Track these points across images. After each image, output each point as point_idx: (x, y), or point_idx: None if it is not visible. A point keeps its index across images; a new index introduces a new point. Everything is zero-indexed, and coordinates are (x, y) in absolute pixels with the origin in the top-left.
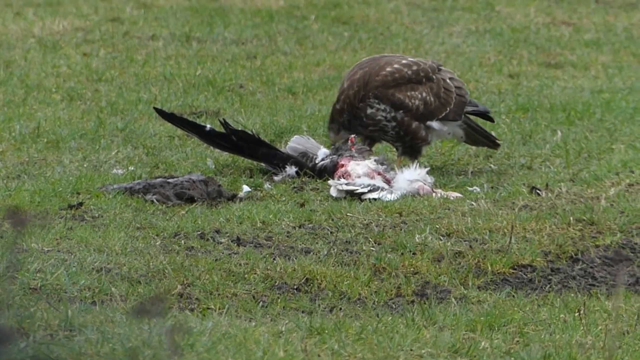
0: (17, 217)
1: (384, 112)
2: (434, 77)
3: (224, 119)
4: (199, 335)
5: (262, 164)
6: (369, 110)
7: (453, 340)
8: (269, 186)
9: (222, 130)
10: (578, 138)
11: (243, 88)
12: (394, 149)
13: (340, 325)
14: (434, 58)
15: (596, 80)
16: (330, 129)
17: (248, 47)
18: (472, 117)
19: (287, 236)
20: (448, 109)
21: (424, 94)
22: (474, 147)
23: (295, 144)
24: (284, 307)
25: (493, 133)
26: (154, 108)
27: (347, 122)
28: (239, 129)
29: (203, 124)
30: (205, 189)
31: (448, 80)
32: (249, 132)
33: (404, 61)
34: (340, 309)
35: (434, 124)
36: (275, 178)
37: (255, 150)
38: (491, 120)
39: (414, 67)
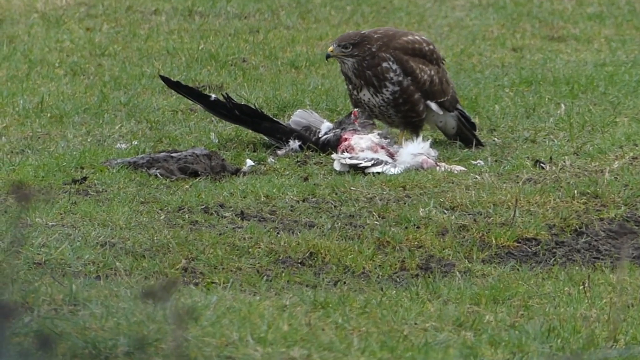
0: (22, 192)
1: (393, 74)
2: (441, 64)
3: (226, 94)
4: (204, 310)
5: (266, 138)
6: (384, 64)
7: (457, 314)
8: (273, 160)
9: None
10: (582, 111)
11: (246, 62)
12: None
13: (344, 299)
14: (437, 31)
15: (599, 53)
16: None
17: (251, 21)
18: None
19: (291, 210)
20: (446, 97)
21: (432, 73)
22: (477, 119)
23: (298, 117)
24: (288, 281)
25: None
26: (160, 76)
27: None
28: (242, 103)
29: (208, 93)
30: (209, 163)
31: (448, 75)
32: (252, 106)
33: (424, 37)
34: (344, 282)
35: (433, 105)
36: (279, 152)
37: (258, 124)
38: (474, 127)
39: (431, 47)
